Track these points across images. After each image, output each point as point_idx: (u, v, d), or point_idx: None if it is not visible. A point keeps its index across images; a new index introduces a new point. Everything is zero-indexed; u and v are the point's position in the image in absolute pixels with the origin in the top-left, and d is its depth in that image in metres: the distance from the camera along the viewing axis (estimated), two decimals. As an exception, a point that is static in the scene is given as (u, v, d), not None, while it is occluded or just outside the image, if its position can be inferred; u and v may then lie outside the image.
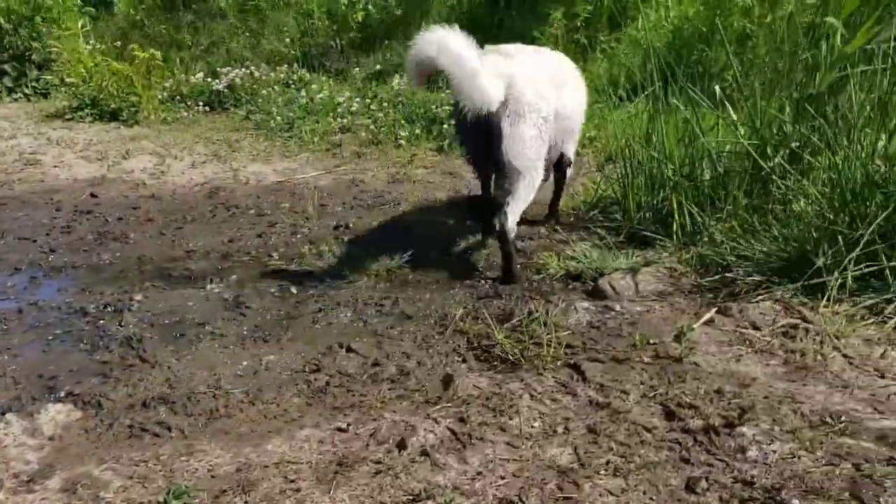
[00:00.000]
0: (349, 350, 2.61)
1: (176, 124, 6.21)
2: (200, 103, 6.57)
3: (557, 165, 3.76)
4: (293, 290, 3.20)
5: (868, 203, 2.66)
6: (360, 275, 3.26)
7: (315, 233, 3.90)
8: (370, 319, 2.88)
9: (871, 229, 2.57)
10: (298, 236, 3.86)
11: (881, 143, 2.70)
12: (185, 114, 6.41)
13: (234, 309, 3.04)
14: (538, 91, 3.13)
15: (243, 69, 6.78)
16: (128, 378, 2.49)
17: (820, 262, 2.58)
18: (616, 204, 3.91)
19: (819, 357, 2.34)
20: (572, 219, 4.00)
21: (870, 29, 2.75)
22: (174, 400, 2.33)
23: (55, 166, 5.25)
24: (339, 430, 2.10)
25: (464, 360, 2.52)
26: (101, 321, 2.96)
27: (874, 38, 2.73)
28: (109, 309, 3.08)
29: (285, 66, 6.76)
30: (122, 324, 2.93)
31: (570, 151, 3.73)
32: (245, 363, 2.58)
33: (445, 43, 2.94)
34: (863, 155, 2.78)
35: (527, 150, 3.11)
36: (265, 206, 4.38)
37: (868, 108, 2.91)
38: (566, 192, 4.02)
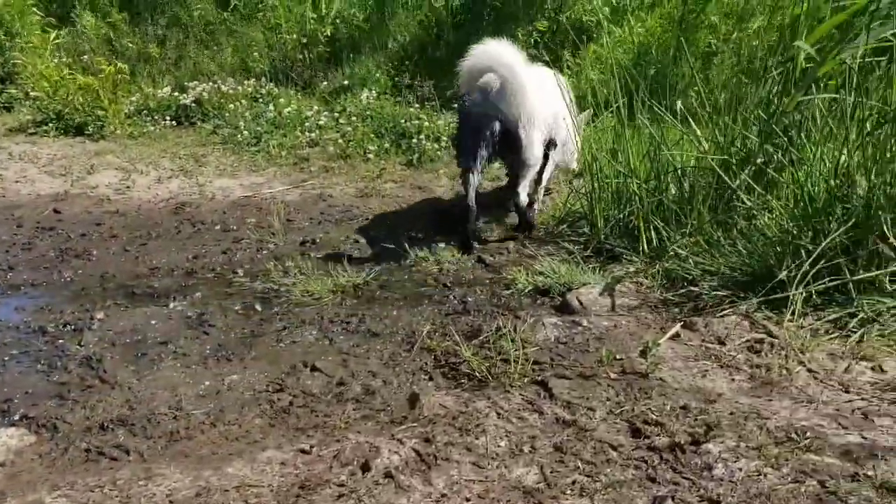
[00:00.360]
0: (314, 369, 2.58)
1: (142, 139, 6.13)
2: (167, 117, 6.49)
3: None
4: (258, 307, 3.16)
5: (830, 218, 2.68)
6: (327, 291, 3.22)
7: (281, 248, 3.85)
8: (336, 337, 2.84)
9: (833, 244, 2.59)
10: (264, 252, 3.82)
11: (843, 159, 2.73)
12: (152, 128, 6.33)
13: (198, 327, 2.99)
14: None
15: (211, 83, 6.72)
16: (86, 400, 2.44)
17: (783, 275, 2.59)
18: (584, 218, 3.92)
19: (784, 372, 2.35)
20: (541, 233, 4.00)
21: (838, 56, 2.80)
22: (133, 422, 2.28)
23: (17, 181, 5.15)
24: (303, 451, 2.06)
25: (430, 379, 2.49)
26: (60, 340, 2.90)
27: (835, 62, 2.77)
28: (69, 328, 3.01)
29: (253, 80, 6.71)
30: (82, 343, 2.87)
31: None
32: (207, 383, 2.54)
33: (502, 54, 3.52)
34: (825, 170, 2.80)
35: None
36: (231, 221, 4.33)
37: (829, 124, 2.94)
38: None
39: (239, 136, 5.84)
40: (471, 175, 3.69)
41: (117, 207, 4.65)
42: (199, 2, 7.13)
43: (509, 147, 3.69)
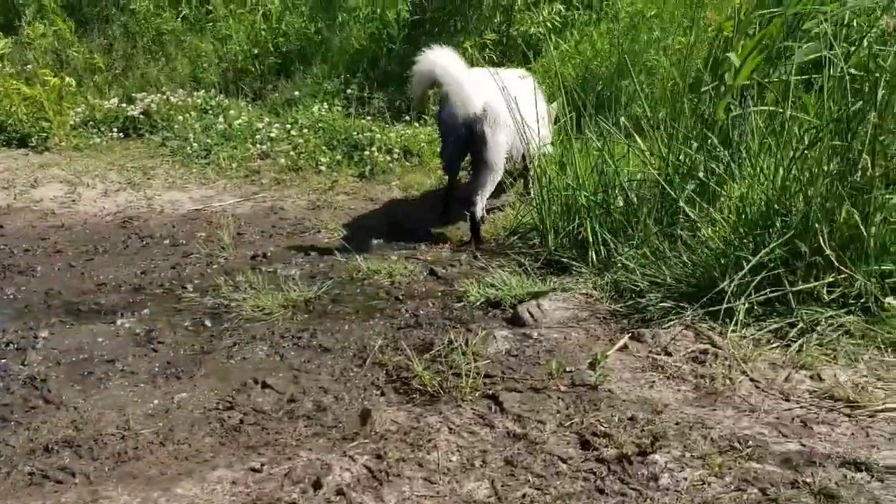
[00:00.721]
0: (264, 386, 2.56)
1: (88, 151, 6.01)
2: (114, 129, 6.37)
3: None
4: (208, 323, 3.13)
5: (770, 230, 2.76)
6: (278, 306, 3.21)
7: (231, 263, 3.82)
8: (287, 353, 2.83)
9: (773, 255, 2.67)
10: (214, 267, 3.78)
11: (781, 173, 2.82)
12: (99, 140, 6.21)
13: (146, 344, 2.96)
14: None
15: (159, 94, 6.62)
16: (29, 421, 2.39)
17: (726, 286, 2.66)
18: (535, 230, 3.97)
19: (727, 381, 2.41)
20: (493, 245, 4.04)
21: (753, 67, 2.90)
22: (80, 443, 2.25)
23: (-44, 196, 5.02)
24: (253, 470, 2.05)
25: (382, 394, 2.50)
26: (3, 360, 2.83)
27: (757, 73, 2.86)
28: (12, 347, 2.95)
29: (203, 91, 6.64)
30: (26, 363, 2.81)
31: None
32: (156, 402, 2.51)
33: (440, 58, 3.78)
34: (764, 183, 2.89)
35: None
36: (180, 235, 4.28)
37: (767, 138, 3.04)
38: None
39: (188, 148, 5.77)
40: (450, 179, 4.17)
41: (62, 221, 4.56)
42: (148, 12, 7.02)
43: (475, 149, 3.96)
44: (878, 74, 2.50)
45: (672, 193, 3.24)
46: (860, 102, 2.57)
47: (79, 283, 3.62)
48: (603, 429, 2.16)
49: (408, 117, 5.90)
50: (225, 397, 2.50)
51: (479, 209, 4.01)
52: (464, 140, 3.92)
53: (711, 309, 2.73)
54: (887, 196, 2.61)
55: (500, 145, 3.94)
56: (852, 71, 2.62)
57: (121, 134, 6.37)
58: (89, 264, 3.87)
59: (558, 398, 2.37)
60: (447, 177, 4.37)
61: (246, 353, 2.85)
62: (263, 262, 3.83)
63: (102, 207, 4.84)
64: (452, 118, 3.88)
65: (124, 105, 6.58)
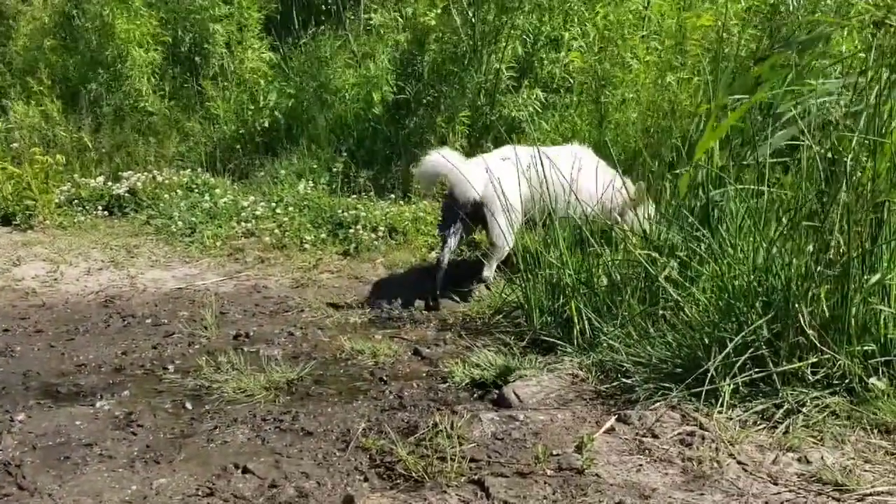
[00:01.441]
0: (245, 471, 2.51)
1: (72, 229, 6.02)
2: (99, 207, 6.39)
3: None
4: (188, 405, 3.07)
5: (751, 310, 2.78)
6: (260, 388, 3.16)
7: (214, 343, 3.79)
8: (268, 436, 2.78)
9: (756, 336, 2.68)
10: (196, 347, 3.75)
11: (761, 253, 2.86)
12: (83, 218, 6.22)
13: (125, 427, 2.90)
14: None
15: (146, 173, 6.68)
16: (2, 510, 2.32)
17: (710, 367, 2.66)
18: (520, 308, 3.97)
19: (715, 464, 2.38)
20: (478, 324, 4.03)
21: (707, 144, 2.99)
22: (52, 534, 2.18)
23: (-63, 274, 4.98)
24: (232, 561, 1.99)
25: (365, 479, 2.45)
26: (-23, 446, 2.76)
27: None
28: (-13, 431, 2.88)
29: (189, 170, 6.71)
30: (0, 447, 2.74)
31: None
32: (134, 488, 2.45)
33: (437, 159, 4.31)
34: (744, 263, 2.92)
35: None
36: (162, 314, 4.25)
37: (747, 219, 3.09)
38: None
39: (173, 226, 5.78)
40: (444, 242, 4.43)
41: (43, 300, 4.53)
42: (143, 94, 7.13)
43: (484, 229, 4.48)
44: (846, 157, 2.56)
45: (653, 273, 3.27)
46: (830, 184, 2.64)
47: (58, 364, 3.57)
48: (590, 515, 2.13)
49: (393, 195, 5.96)
50: (205, 483, 2.44)
51: (486, 273, 4.50)
52: (466, 217, 4.38)
53: (697, 390, 2.72)
54: (865, 277, 2.64)
55: (502, 226, 4.25)
56: (825, 153, 2.68)
57: (106, 212, 6.39)
58: (69, 344, 3.82)
59: (545, 483, 2.33)
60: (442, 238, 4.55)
61: (227, 436, 2.80)
62: (246, 341, 3.80)
63: (85, 286, 4.82)
64: (453, 202, 4.35)
65: (110, 184, 6.62)
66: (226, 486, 2.42)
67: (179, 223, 5.79)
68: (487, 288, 4.49)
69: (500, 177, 4.16)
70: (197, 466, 2.58)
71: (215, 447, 2.72)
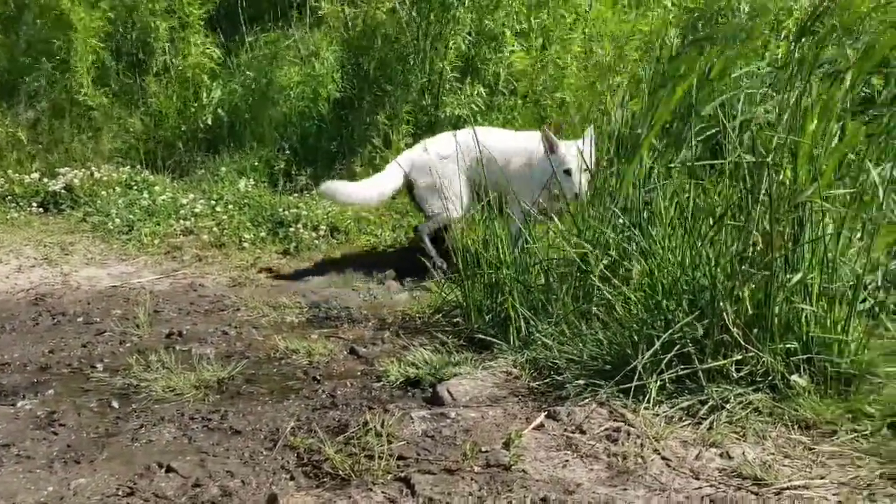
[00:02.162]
0: (169, 470, 2.46)
1: (4, 226, 5.84)
2: (34, 204, 6.22)
3: None
4: (115, 404, 3.00)
5: (678, 308, 2.83)
6: (190, 387, 3.10)
7: (145, 341, 3.71)
8: (195, 435, 2.73)
9: (683, 333, 2.72)
10: (127, 345, 3.66)
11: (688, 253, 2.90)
12: (17, 215, 6.05)
13: (46, 427, 2.82)
14: None
15: (84, 169, 6.52)
16: None
17: (638, 364, 2.70)
18: (458, 308, 3.97)
19: (639, 460, 2.41)
20: (417, 323, 4.02)
21: (650, 145, 3.04)
22: (-39, 537, 2.11)
23: None
24: (148, 562, 1.95)
25: (292, 478, 2.42)
26: None
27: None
28: None
29: (128, 166, 6.57)
30: (-87, 449, 2.64)
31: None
32: (51, 489, 2.38)
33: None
34: (673, 263, 2.97)
35: None
36: (95, 312, 4.15)
37: (673, 219, 3.15)
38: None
39: (110, 223, 5.66)
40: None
41: (-31, 298, 4.39)
42: (84, 87, 6.96)
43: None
44: (769, 158, 2.62)
45: (588, 271, 3.30)
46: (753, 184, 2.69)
47: (-20, 364, 3.46)
48: (514, 511, 2.13)
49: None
50: (126, 482, 2.39)
51: (420, 228, 4.83)
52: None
53: (625, 386, 2.75)
54: (787, 276, 2.70)
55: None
56: (747, 156, 2.74)
57: (41, 209, 6.23)
58: (-6, 343, 3.71)
59: (472, 479, 2.33)
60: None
61: (152, 435, 2.74)
62: (179, 340, 3.72)
63: (15, 284, 4.68)
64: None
65: (46, 180, 6.45)
66: (147, 486, 2.37)
67: (117, 220, 5.67)
68: (422, 240, 4.75)
69: (437, 151, 4.65)
70: (119, 466, 2.52)
71: (140, 446, 2.67)
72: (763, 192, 2.61)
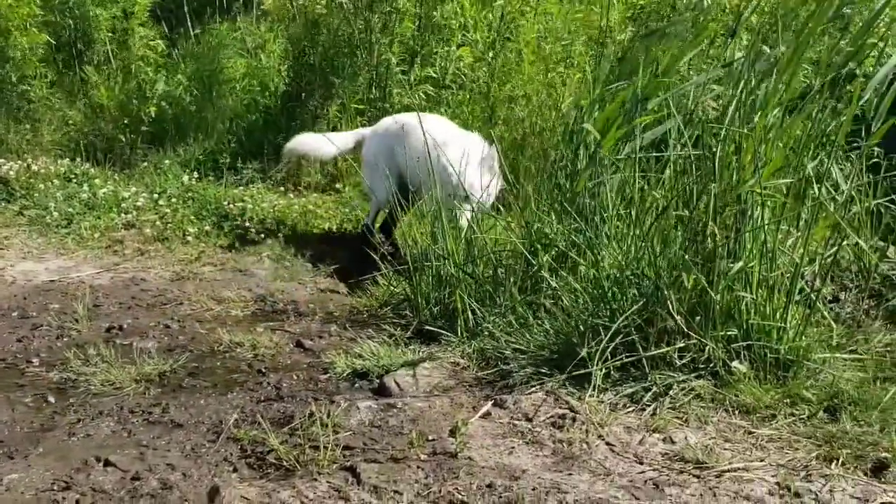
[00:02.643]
0: (107, 464, 2.39)
1: (-65, 220, 5.63)
2: (-33, 197, 6.02)
3: None
4: (51, 399, 2.92)
5: (624, 298, 2.86)
6: (130, 380, 3.03)
7: (84, 336, 3.61)
8: (135, 429, 2.66)
9: (626, 322, 2.76)
10: (65, 340, 3.56)
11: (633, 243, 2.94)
12: (-52, 208, 5.84)
13: (-23, 423, 2.72)
14: None
15: (20, 161, 6.32)
16: None
17: (584, 352, 2.72)
18: (406, 300, 3.96)
19: (584, 446, 2.44)
20: (365, 316, 3.99)
21: (615, 137, 3.06)
22: None
23: None
24: (84, 556, 1.89)
25: (235, 470, 2.39)
26: None
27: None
28: None
29: (68, 159, 6.39)
30: None
31: None
32: (-19, 484, 2.29)
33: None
34: (618, 254, 3.01)
35: None
36: (31, 307, 4.02)
37: (620, 210, 3.19)
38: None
39: (48, 217, 5.48)
40: None
41: None
42: (37, 80, 6.75)
43: None
44: (714, 150, 2.67)
45: (535, 263, 3.32)
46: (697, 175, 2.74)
47: None
48: (460, 497, 2.14)
49: (282, 188, 5.85)
50: (62, 477, 2.32)
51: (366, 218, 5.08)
52: None
53: (572, 374, 2.78)
54: (729, 264, 2.75)
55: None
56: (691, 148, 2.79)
57: (-26, 202, 6.02)
58: (-78, 338, 3.57)
59: (418, 467, 2.33)
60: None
61: (90, 429, 2.67)
62: (119, 334, 3.63)
63: (-55, 279, 4.51)
64: None
65: (-21, 172, 6.23)
66: (84, 480, 2.31)
67: (55, 214, 5.50)
68: (369, 231, 4.86)
69: (374, 130, 4.99)
70: (55, 461, 2.44)
71: (77, 441, 2.59)
72: (707, 183, 2.66)
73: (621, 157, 3.17)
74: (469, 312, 3.45)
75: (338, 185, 6.00)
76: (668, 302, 2.71)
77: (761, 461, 2.36)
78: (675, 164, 2.93)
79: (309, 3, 5.96)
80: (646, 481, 2.24)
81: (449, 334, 3.43)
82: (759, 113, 2.67)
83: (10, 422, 2.73)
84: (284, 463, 2.37)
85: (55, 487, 2.27)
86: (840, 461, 2.31)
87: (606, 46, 4.15)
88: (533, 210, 3.43)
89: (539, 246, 3.31)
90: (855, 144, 3.15)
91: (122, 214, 5.44)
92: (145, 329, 3.70)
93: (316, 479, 2.26)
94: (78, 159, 6.49)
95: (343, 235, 5.28)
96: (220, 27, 7.27)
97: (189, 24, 7.54)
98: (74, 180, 6.08)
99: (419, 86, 5.88)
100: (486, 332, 3.29)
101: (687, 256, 2.75)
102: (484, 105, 5.62)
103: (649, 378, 2.73)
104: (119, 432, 2.65)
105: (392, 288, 4.13)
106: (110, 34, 7.06)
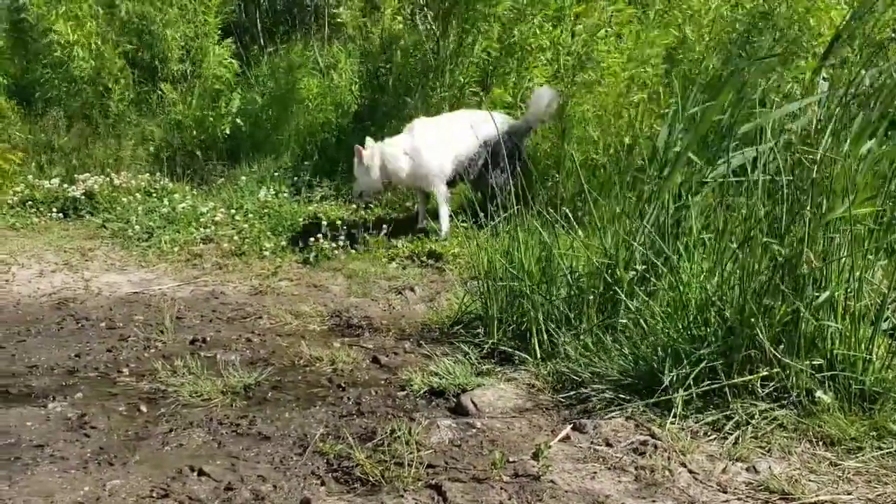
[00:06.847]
0: (201, 473, 2.48)
1: (25, 231, 5.90)
2: (54, 210, 6.28)
3: None
4: (143, 408, 3.03)
5: (707, 324, 2.85)
6: (217, 392, 3.13)
7: (170, 347, 3.74)
8: (225, 440, 2.75)
9: (710, 349, 2.75)
10: (152, 350, 3.70)
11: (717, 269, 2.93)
12: (37, 220, 6.11)
13: (78, 429, 2.85)
14: None
15: (103, 176, 6.59)
16: (-53, 510, 2.26)
17: (666, 379, 2.72)
18: (479, 319, 3.99)
19: (667, 473, 2.43)
20: (437, 334, 4.04)
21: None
22: (0, 534, 2.13)
23: None
24: (186, 563, 1.97)
25: (322, 483, 2.45)
26: (-78, 446, 2.69)
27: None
28: (-67, 432, 2.81)
29: (148, 174, 6.63)
30: (-53, 448, 2.67)
31: None
32: (87, 489, 2.41)
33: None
34: (701, 278, 2.99)
35: None
36: (118, 318, 4.18)
37: (705, 235, 3.17)
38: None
39: (129, 230, 5.71)
40: None
41: (-6, 301, 4.42)
42: (116, 96, 7.04)
43: None
44: (810, 178, 2.65)
45: (613, 285, 3.32)
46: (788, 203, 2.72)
47: (9, 366, 3.49)
48: (546, 520, 2.15)
49: (354, 205, 5.96)
50: (159, 485, 2.42)
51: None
52: None
53: (651, 400, 2.77)
54: (815, 294, 2.72)
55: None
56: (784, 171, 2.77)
57: (60, 214, 6.29)
58: (21, 346, 3.74)
59: (501, 488, 2.35)
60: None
61: (182, 439, 2.77)
62: (203, 346, 3.76)
63: (37, 288, 4.72)
64: None
65: (66, 186, 6.51)
66: (181, 488, 2.40)
67: (136, 227, 5.72)
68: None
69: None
70: (151, 468, 2.55)
71: (170, 450, 2.69)
72: (797, 210, 2.64)
73: (707, 181, 3.15)
74: (544, 333, 3.46)
75: (407, 204, 6.09)
76: (757, 329, 2.69)
77: (849, 494, 2.32)
78: (763, 189, 2.90)
79: (388, 20, 6.07)
80: (731, 511, 2.23)
81: (523, 355, 3.45)
82: (852, 139, 2.64)
83: (107, 430, 2.85)
84: (370, 478, 2.42)
85: (154, 494, 2.36)
86: (932, 498, 2.26)
87: (692, 72, 4.13)
88: (615, 231, 3.42)
89: (619, 267, 3.31)
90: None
91: (201, 229, 5.62)
92: (228, 342, 3.82)
93: (402, 496, 2.31)
94: (158, 174, 6.72)
95: (412, 255, 5.33)
96: (294, 46, 7.48)
97: (262, 41, 7.78)
98: (154, 195, 6.31)
99: (492, 108, 5.94)
100: (562, 354, 3.30)
101: (775, 283, 2.73)
102: (556, 123, 5.63)
103: (731, 406, 2.71)
104: (209, 443, 2.75)
105: (464, 307, 4.17)
106: (183, 52, 7.29)
